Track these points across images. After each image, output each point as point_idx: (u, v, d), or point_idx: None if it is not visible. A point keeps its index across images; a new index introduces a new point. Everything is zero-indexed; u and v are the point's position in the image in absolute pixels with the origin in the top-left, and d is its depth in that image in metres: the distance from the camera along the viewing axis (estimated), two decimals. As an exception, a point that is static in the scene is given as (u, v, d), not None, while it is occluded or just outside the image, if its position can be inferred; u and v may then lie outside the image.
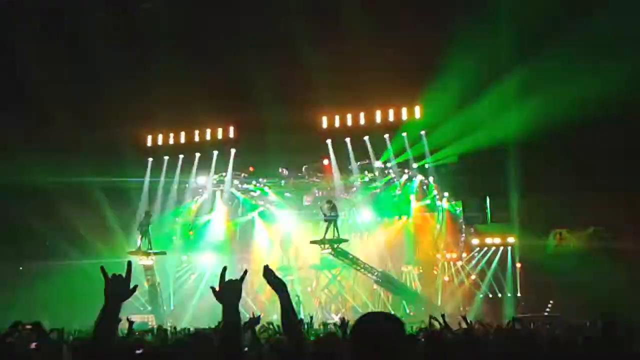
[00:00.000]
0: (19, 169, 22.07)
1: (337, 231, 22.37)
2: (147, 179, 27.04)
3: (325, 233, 22.43)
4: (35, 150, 22.10)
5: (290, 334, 3.43)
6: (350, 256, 23.49)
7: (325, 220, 22.34)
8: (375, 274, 23.91)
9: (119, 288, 3.03)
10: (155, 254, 24.43)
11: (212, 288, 3.15)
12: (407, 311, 24.28)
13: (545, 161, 22.35)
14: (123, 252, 24.26)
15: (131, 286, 3.08)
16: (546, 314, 21.27)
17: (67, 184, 23.28)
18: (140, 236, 24.08)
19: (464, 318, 9.04)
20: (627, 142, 21.32)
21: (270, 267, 3.53)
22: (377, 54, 22.50)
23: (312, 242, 23.80)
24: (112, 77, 22.71)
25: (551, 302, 22.13)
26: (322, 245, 22.84)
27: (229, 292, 3.13)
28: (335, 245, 22.76)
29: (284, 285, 3.49)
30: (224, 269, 3.24)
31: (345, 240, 23.41)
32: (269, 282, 3.48)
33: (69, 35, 22.80)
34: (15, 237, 24.74)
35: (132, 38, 22.92)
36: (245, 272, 3.28)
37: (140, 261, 23.52)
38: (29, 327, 6.24)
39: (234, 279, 3.19)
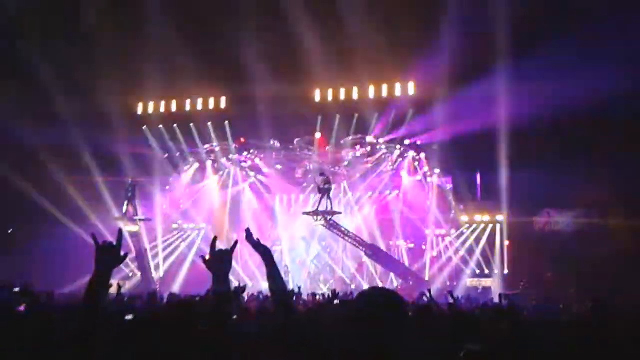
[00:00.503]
0: (10, 134, 21.90)
1: (331, 203, 22.38)
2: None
3: (318, 205, 22.44)
4: (26, 116, 21.92)
5: (278, 301, 3.33)
6: (342, 228, 23.58)
7: (319, 192, 22.34)
8: (366, 246, 24.04)
9: (109, 255, 3.03)
10: (140, 220, 24.47)
11: (203, 257, 3.18)
12: (395, 285, 24.49)
13: (536, 140, 22.42)
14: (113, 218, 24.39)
15: (122, 254, 3.09)
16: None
17: (58, 150, 23.14)
18: (126, 202, 24.12)
19: (450, 293, 9.14)
20: (618, 124, 21.41)
21: (259, 237, 3.48)
22: (372, 28, 22.34)
23: (305, 213, 23.78)
24: (103, 44, 22.49)
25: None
26: (315, 217, 22.86)
27: (219, 261, 3.16)
28: (328, 217, 22.80)
29: (267, 249, 3.40)
30: (215, 238, 3.26)
31: (339, 213, 23.43)
32: (252, 245, 3.40)
33: (61, 2, 22.47)
34: (5, 201, 24.65)
35: (124, 5, 22.62)
36: (236, 242, 3.32)
37: (126, 227, 23.60)
38: (17, 290, 6.26)
39: (224, 248, 3.21)
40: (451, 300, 9.12)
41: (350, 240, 24.04)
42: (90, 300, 2.98)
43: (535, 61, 19.54)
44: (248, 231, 3.44)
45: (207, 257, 3.17)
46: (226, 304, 3.15)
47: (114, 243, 3.07)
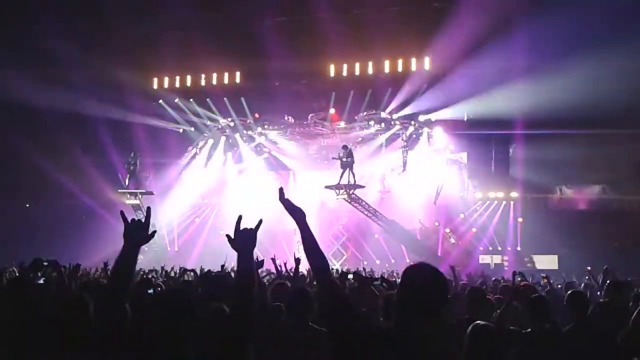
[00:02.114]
0: (26, 108, 22.05)
1: (354, 177, 22.26)
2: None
3: (340, 178, 22.34)
4: (41, 89, 22.03)
5: (317, 273, 2.99)
6: (364, 203, 23.49)
7: (341, 167, 22.23)
8: (385, 222, 24.02)
9: (137, 232, 3.09)
10: (142, 194, 24.51)
11: (228, 236, 3.20)
12: (407, 261, 24.53)
13: (552, 116, 22.23)
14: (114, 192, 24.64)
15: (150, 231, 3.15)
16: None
17: (73, 123, 23.25)
18: (128, 176, 24.17)
19: (452, 268, 9.22)
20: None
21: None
22: (388, 2, 22.19)
23: (327, 187, 23.62)
24: (119, 17, 22.48)
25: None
26: (337, 191, 22.76)
27: (244, 239, 3.19)
28: (351, 191, 22.67)
29: (301, 212, 3.11)
30: (240, 217, 3.27)
31: (362, 187, 23.24)
32: (285, 207, 3.14)
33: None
34: (21, 176, 24.93)
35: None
36: (261, 221, 3.31)
37: (127, 201, 23.78)
38: (45, 263, 6.36)
39: (249, 227, 3.24)
40: (454, 276, 9.22)
41: (370, 215, 23.94)
42: (119, 276, 3.05)
43: (554, 36, 19.24)
44: (281, 191, 3.22)
45: (232, 236, 3.20)
46: (252, 282, 3.20)
47: (142, 220, 3.13)
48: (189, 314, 3.11)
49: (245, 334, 3.13)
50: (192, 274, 9.37)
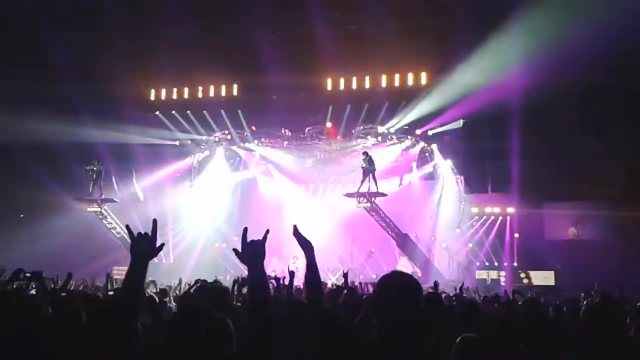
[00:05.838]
0: (22, 120, 21.94)
1: (376, 184, 21.99)
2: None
3: (361, 185, 22.13)
4: (36, 102, 21.98)
5: (311, 295, 3.31)
6: (381, 213, 23.28)
7: (363, 174, 21.96)
8: (398, 235, 23.87)
9: (144, 246, 3.00)
10: (102, 201, 24.13)
11: (235, 250, 3.14)
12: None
13: (548, 131, 22.28)
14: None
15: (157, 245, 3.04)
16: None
17: (68, 136, 23.13)
18: (92, 183, 23.90)
19: (461, 287, 9.16)
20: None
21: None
22: (385, 17, 22.26)
23: (347, 194, 23.36)
24: (116, 30, 22.49)
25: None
26: (358, 199, 22.52)
27: (252, 252, 3.12)
28: (373, 199, 22.47)
29: (311, 245, 3.35)
30: (245, 230, 3.19)
31: (384, 195, 22.84)
32: (297, 240, 3.37)
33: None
34: (17, 188, 24.77)
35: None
36: (268, 231, 3.23)
37: (88, 208, 23.58)
38: (28, 275, 6.25)
39: (256, 239, 3.17)
40: (457, 292, 9.14)
41: (385, 226, 23.69)
42: (128, 294, 2.92)
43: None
44: (295, 227, 3.44)
45: (240, 249, 3.12)
46: (264, 295, 3.13)
47: (149, 234, 3.02)
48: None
49: (260, 352, 3.00)
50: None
